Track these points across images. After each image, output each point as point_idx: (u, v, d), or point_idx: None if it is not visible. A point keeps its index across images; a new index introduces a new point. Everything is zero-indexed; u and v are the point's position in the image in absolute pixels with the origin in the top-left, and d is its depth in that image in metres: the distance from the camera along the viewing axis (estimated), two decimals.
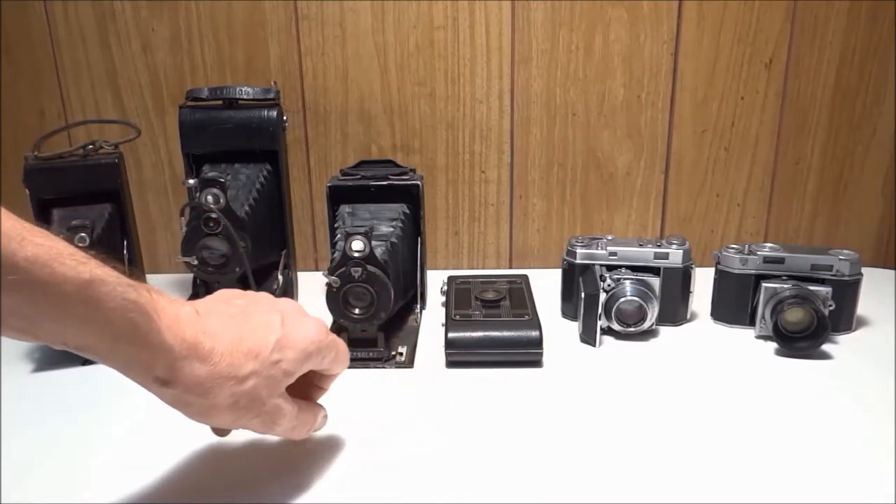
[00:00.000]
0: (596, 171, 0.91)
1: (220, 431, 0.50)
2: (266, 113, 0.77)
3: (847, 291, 0.71)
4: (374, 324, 0.66)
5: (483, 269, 0.95)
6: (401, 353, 0.69)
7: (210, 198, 0.67)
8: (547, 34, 0.86)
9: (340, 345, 0.51)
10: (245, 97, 0.77)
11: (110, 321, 0.37)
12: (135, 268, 0.76)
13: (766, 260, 0.72)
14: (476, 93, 0.88)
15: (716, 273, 0.75)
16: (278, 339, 0.45)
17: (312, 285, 0.76)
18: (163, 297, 0.41)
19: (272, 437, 0.55)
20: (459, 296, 0.75)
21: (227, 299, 0.48)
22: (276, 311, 0.47)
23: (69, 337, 0.37)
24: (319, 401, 0.53)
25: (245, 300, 0.48)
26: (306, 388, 0.51)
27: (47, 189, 0.71)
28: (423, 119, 0.89)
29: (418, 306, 0.77)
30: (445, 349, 0.67)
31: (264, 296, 0.50)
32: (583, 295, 0.70)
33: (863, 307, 0.73)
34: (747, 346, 0.71)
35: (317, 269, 0.95)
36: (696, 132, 0.89)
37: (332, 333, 0.50)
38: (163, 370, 0.40)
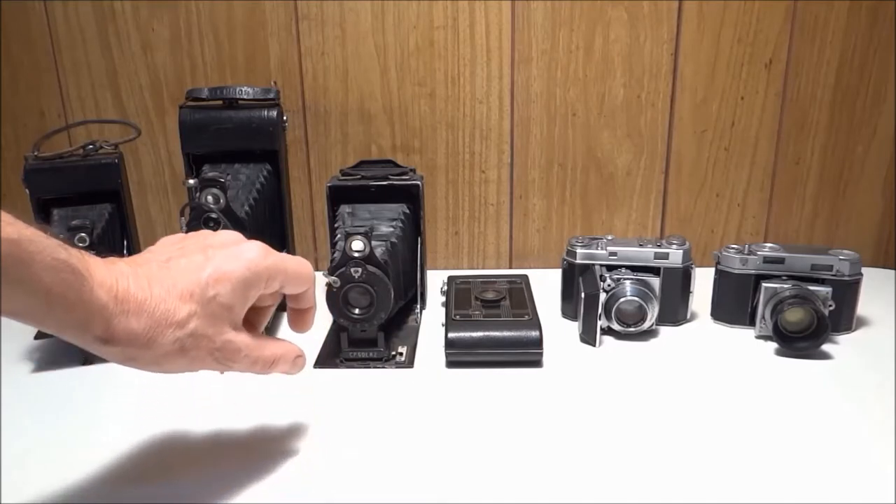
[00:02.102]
0: (596, 171, 0.91)
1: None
2: (266, 113, 0.77)
3: (847, 291, 0.71)
4: (374, 324, 0.66)
5: (483, 269, 0.95)
6: (401, 353, 0.69)
7: (210, 198, 0.67)
8: (547, 34, 0.86)
9: (289, 263, 0.49)
10: (245, 97, 0.77)
11: (41, 281, 0.36)
12: None
13: (766, 260, 0.72)
14: (476, 93, 0.88)
15: (716, 273, 0.75)
16: (209, 275, 0.44)
17: None
18: (93, 257, 0.41)
19: (271, 438, 0.56)
20: (459, 296, 0.75)
21: (162, 247, 0.47)
22: (207, 246, 0.46)
23: (1, 302, 0.36)
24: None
25: (180, 244, 0.47)
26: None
27: (47, 189, 0.71)
28: (423, 119, 0.89)
29: (418, 306, 0.77)
30: (445, 349, 0.67)
31: (200, 233, 0.49)
32: (583, 295, 0.70)
33: (863, 307, 0.73)
34: (747, 346, 0.71)
35: (317, 269, 0.94)
36: (696, 132, 0.89)
37: (274, 254, 0.48)
38: (100, 329, 0.40)
